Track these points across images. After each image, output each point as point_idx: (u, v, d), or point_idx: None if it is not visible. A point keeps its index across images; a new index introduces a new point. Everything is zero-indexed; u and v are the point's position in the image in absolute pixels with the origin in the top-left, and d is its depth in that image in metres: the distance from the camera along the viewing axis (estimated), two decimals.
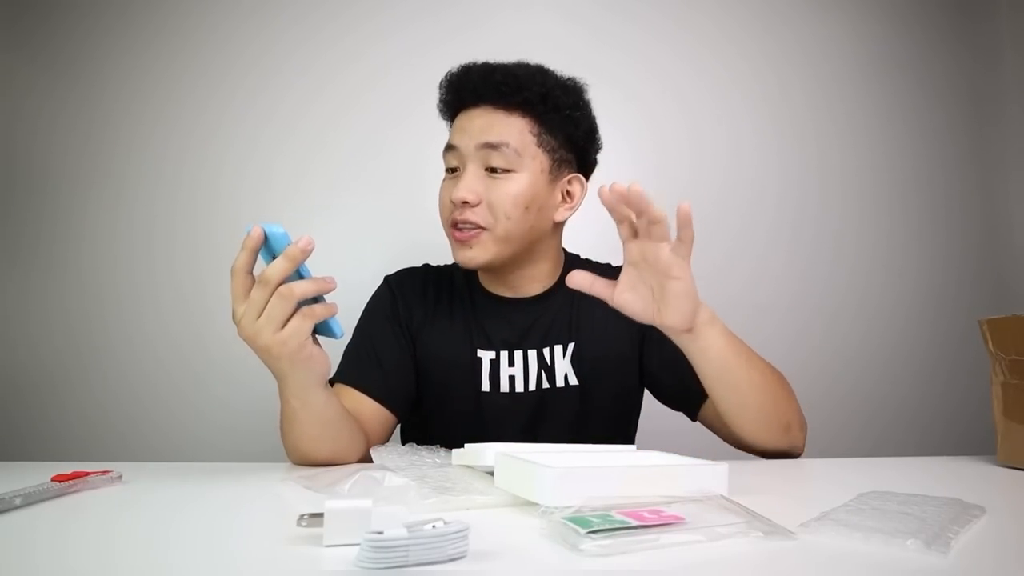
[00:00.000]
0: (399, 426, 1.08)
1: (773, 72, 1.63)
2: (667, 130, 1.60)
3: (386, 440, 0.96)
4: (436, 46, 1.57)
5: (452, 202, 0.93)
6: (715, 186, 1.60)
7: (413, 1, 1.60)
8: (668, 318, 0.75)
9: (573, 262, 1.09)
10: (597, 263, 1.12)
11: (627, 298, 0.76)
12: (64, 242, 1.53)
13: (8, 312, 1.51)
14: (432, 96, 1.48)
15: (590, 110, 1.02)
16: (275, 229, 0.66)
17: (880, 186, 1.63)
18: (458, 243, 0.95)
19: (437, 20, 1.59)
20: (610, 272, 1.09)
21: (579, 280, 0.78)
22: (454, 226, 0.95)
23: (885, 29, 1.65)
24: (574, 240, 1.11)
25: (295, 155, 1.56)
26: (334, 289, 0.69)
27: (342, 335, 0.71)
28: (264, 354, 0.70)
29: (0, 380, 1.50)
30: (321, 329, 0.71)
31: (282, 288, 0.66)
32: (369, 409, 0.92)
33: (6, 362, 1.50)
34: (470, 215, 0.93)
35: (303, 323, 0.68)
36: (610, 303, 0.76)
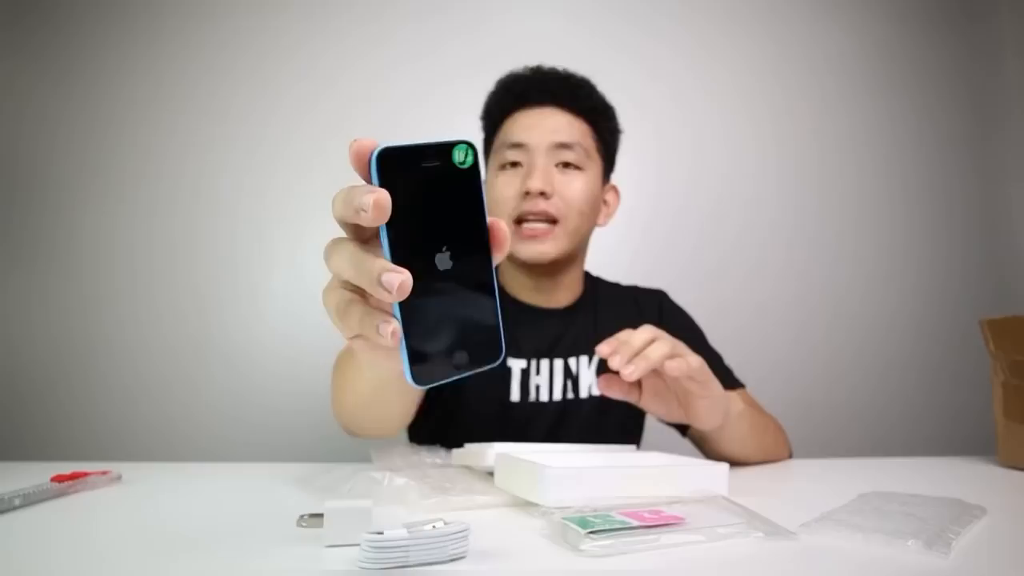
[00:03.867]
0: (407, 428, 1.08)
1: (773, 73, 1.63)
2: (667, 130, 1.60)
3: (412, 419, 0.94)
4: (436, 47, 1.57)
5: (527, 192, 0.92)
6: (716, 186, 1.60)
7: (413, 2, 1.60)
8: (699, 424, 0.76)
9: (591, 278, 1.11)
10: (610, 282, 1.13)
11: (652, 405, 0.75)
12: (65, 243, 1.53)
13: (8, 312, 1.51)
14: (433, 96, 1.49)
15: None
16: None
17: (880, 186, 1.63)
18: (527, 238, 0.94)
19: (437, 22, 1.59)
20: (627, 294, 1.10)
21: (599, 385, 0.75)
22: (520, 221, 0.94)
23: (885, 30, 1.65)
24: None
25: (296, 156, 1.56)
26: None
27: None
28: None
29: (0, 380, 1.50)
30: None
31: None
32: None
33: (6, 362, 1.50)
34: (545, 206, 0.92)
35: None
36: (635, 403, 0.75)
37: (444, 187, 0.38)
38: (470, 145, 0.38)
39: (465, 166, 0.38)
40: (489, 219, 0.39)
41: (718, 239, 1.59)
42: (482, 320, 0.40)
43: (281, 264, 1.54)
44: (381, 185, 0.36)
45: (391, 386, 0.69)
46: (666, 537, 0.44)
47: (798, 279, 1.59)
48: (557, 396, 0.99)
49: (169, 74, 1.57)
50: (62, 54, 1.56)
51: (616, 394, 0.71)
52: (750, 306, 1.57)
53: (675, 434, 1.05)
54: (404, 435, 1.08)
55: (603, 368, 0.99)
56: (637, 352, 0.66)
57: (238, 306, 1.52)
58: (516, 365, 0.99)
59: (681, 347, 0.69)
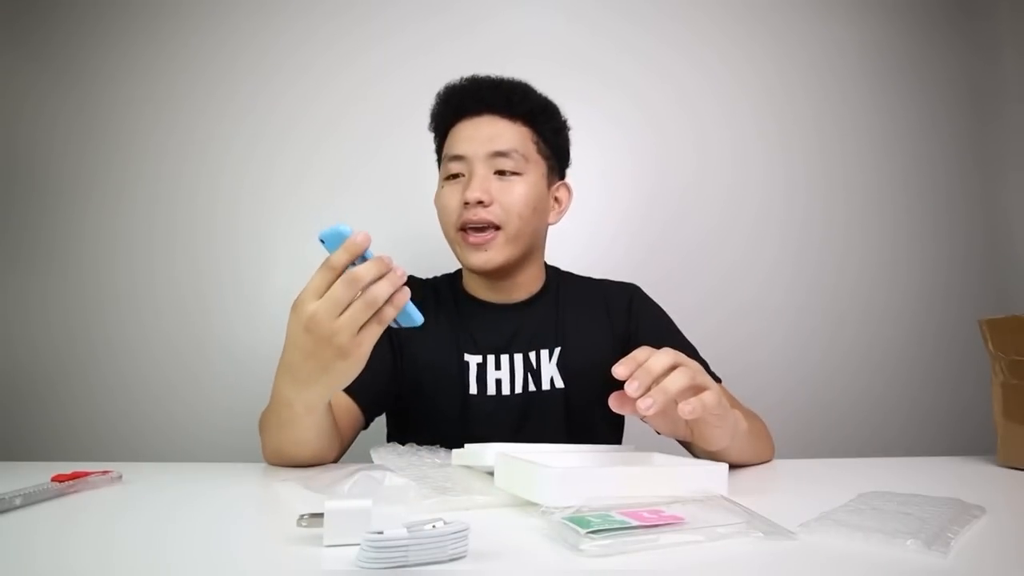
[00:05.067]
0: (386, 430, 1.09)
1: (775, 72, 1.63)
2: (670, 131, 1.60)
3: (350, 443, 0.95)
4: (436, 46, 1.57)
5: (466, 202, 0.95)
6: (720, 188, 1.59)
7: (413, 2, 1.60)
8: (704, 446, 0.75)
9: (555, 273, 1.12)
10: (580, 276, 1.14)
11: (657, 422, 0.73)
12: (64, 243, 1.53)
13: (8, 312, 1.51)
14: (432, 95, 1.48)
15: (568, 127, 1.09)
16: (343, 230, 0.64)
17: (881, 186, 1.63)
18: (472, 246, 0.97)
19: (437, 20, 1.59)
20: (593, 285, 1.11)
21: (610, 402, 0.71)
22: (464, 229, 0.97)
23: (886, 29, 1.65)
24: (558, 250, 1.13)
25: (295, 155, 1.56)
26: (405, 281, 0.66)
27: (422, 322, 0.68)
28: (333, 351, 0.66)
29: (0, 380, 1.50)
30: (402, 319, 0.68)
31: (367, 294, 0.64)
32: (343, 407, 0.92)
33: (6, 362, 1.50)
34: (484, 214, 0.95)
35: (378, 329, 0.66)
36: (639, 419, 0.72)
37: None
38: None
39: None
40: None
41: (721, 240, 1.59)
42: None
43: (281, 263, 1.54)
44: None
45: (322, 421, 0.77)
46: (666, 537, 0.44)
47: (798, 280, 1.59)
48: (519, 389, 1.00)
49: (168, 73, 1.57)
50: (61, 53, 1.56)
51: (627, 412, 0.68)
52: (751, 308, 1.57)
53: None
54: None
55: (564, 356, 1.00)
56: (655, 378, 0.63)
57: (239, 305, 1.52)
58: (472, 360, 1.01)
59: (701, 376, 0.66)
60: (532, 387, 1.01)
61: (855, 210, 1.62)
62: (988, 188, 1.64)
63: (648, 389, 0.63)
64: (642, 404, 0.62)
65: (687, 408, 0.62)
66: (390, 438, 1.06)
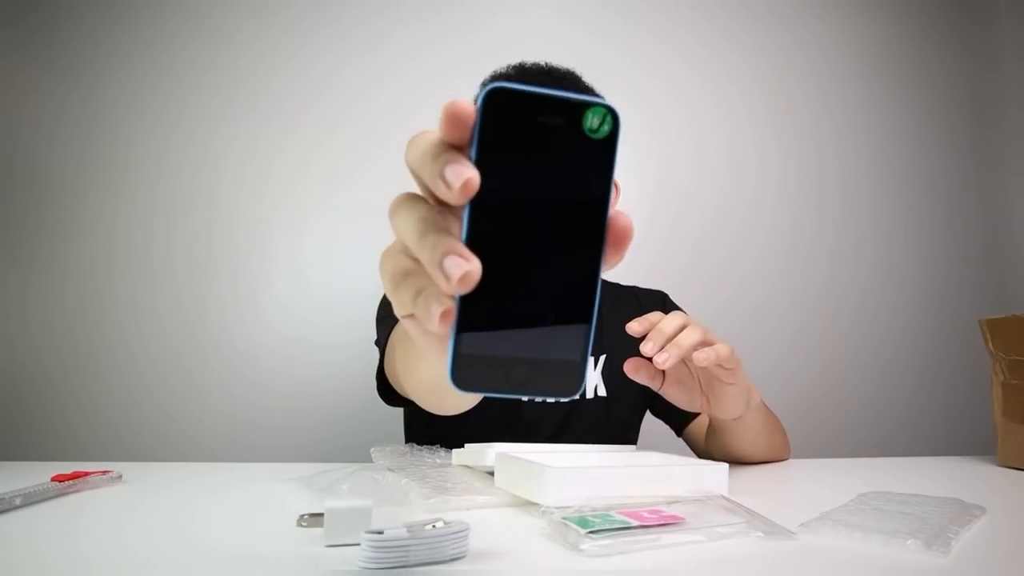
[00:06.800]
0: (405, 427, 1.08)
1: (773, 73, 1.63)
2: (669, 131, 1.60)
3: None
4: (436, 47, 1.57)
5: None
6: (716, 186, 1.60)
7: (413, 2, 1.60)
8: (720, 413, 0.75)
9: None
10: (616, 284, 1.13)
11: (673, 392, 0.74)
12: (64, 242, 1.53)
13: (8, 312, 1.51)
14: (432, 96, 1.48)
15: None
16: None
17: (880, 187, 1.63)
18: None
19: (437, 21, 1.59)
20: (629, 293, 1.10)
21: (627, 368, 0.72)
22: None
23: (885, 31, 1.65)
24: None
25: (296, 155, 1.56)
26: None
27: None
28: None
29: (0, 380, 1.50)
30: None
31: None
32: None
33: (6, 362, 1.50)
34: None
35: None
36: (656, 390, 0.74)
37: (563, 156, 0.28)
38: (610, 110, 0.28)
39: (597, 136, 0.28)
40: (612, 210, 0.29)
41: (718, 240, 1.59)
42: (564, 337, 0.30)
43: (281, 264, 1.54)
44: (482, 133, 0.27)
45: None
46: (666, 537, 0.44)
47: (797, 279, 1.59)
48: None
49: (169, 75, 1.57)
50: (62, 54, 1.56)
51: (643, 379, 0.70)
52: (750, 307, 1.57)
53: (673, 435, 1.05)
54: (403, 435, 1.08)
55: (608, 364, 1.00)
56: (669, 338, 0.66)
57: (238, 305, 1.52)
58: None
59: (712, 334, 0.68)
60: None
61: (854, 209, 1.62)
62: (988, 188, 1.64)
63: (662, 348, 0.66)
64: (659, 358, 0.64)
65: (701, 355, 0.65)
66: (409, 439, 1.05)
